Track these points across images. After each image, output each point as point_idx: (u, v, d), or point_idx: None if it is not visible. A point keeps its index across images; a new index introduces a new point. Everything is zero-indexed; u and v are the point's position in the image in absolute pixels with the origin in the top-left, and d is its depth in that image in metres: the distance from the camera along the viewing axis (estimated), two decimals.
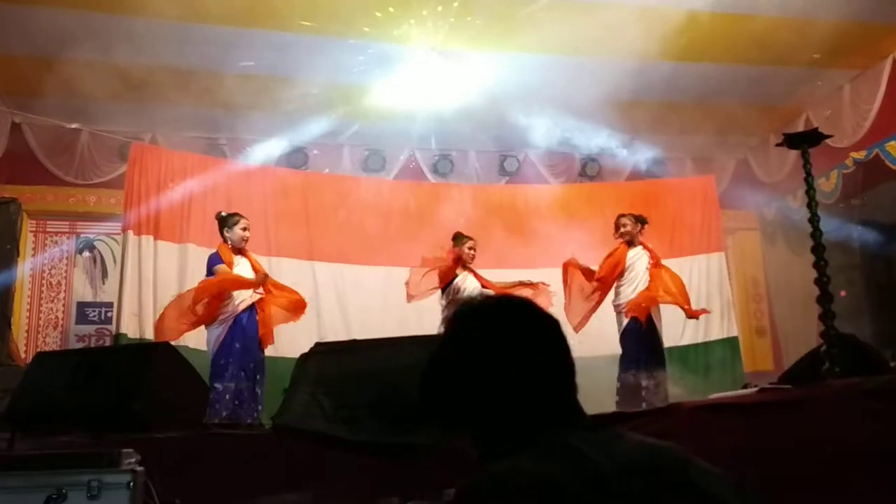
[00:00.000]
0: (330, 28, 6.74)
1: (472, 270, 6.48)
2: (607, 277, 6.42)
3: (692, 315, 6.70)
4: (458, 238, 6.54)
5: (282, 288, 5.86)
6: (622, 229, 6.52)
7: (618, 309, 6.44)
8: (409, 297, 6.61)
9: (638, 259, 6.44)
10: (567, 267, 6.61)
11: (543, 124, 8.20)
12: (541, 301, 6.40)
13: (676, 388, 6.33)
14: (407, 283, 6.60)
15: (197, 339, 6.83)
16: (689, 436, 3.21)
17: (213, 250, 5.79)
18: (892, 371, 3.37)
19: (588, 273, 6.53)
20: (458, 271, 6.39)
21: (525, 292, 6.48)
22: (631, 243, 6.48)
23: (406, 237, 7.98)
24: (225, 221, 5.77)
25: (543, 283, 6.62)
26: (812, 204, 3.64)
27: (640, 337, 6.23)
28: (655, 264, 6.46)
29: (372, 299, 7.78)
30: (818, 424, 2.85)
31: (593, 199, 8.46)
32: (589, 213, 8.03)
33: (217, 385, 5.26)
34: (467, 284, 6.35)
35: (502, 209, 8.29)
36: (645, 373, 6.11)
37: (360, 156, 8.86)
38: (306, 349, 4.29)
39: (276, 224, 7.77)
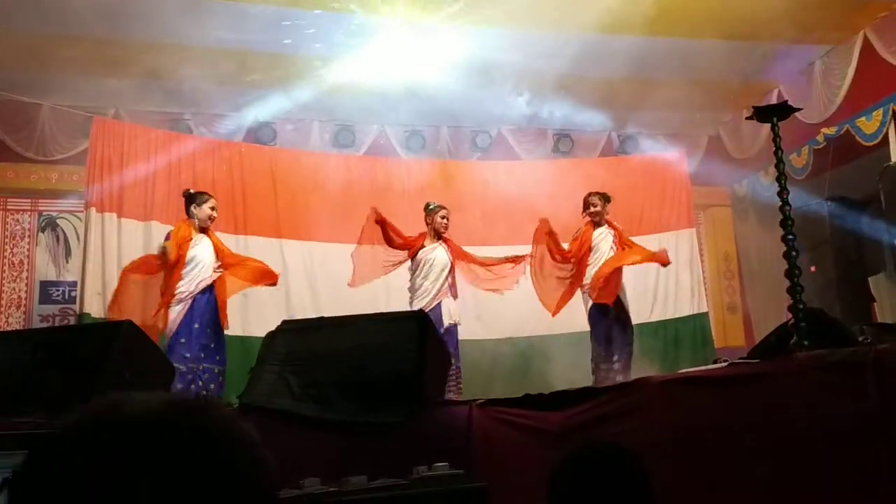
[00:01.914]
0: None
1: (447, 241, 6.41)
2: (575, 258, 6.38)
3: (662, 261, 6.61)
4: (430, 208, 6.45)
5: (244, 260, 5.80)
6: (592, 209, 6.47)
7: (583, 289, 6.42)
8: (353, 284, 6.47)
9: (602, 239, 6.43)
10: (538, 233, 6.49)
11: (515, 99, 8.13)
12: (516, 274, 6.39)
13: (646, 365, 6.36)
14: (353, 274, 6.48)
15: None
16: (658, 409, 3.21)
17: None
18: (858, 345, 3.38)
19: (558, 248, 6.46)
20: (426, 242, 6.32)
21: (506, 268, 6.48)
22: (598, 223, 6.46)
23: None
24: (193, 199, 5.66)
25: (525, 256, 6.50)
26: (781, 178, 3.64)
27: (607, 316, 6.22)
28: (621, 242, 6.45)
29: (341, 277, 7.69)
30: (786, 397, 2.85)
31: (565, 175, 8.42)
32: (560, 189, 8.00)
33: (177, 365, 5.18)
34: (434, 255, 6.28)
35: (474, 185, 8.23)
36: (615, 351, 6.12)
37: (329, 131, 8.71)
38: (275, 328, 4.24)
39: (243, 201, 7.64)
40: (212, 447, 0.69)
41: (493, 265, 6.54)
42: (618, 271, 6.29)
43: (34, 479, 0.68)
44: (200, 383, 5.19)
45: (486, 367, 7.32)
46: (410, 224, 6.76)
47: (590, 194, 6.57)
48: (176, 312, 5.36)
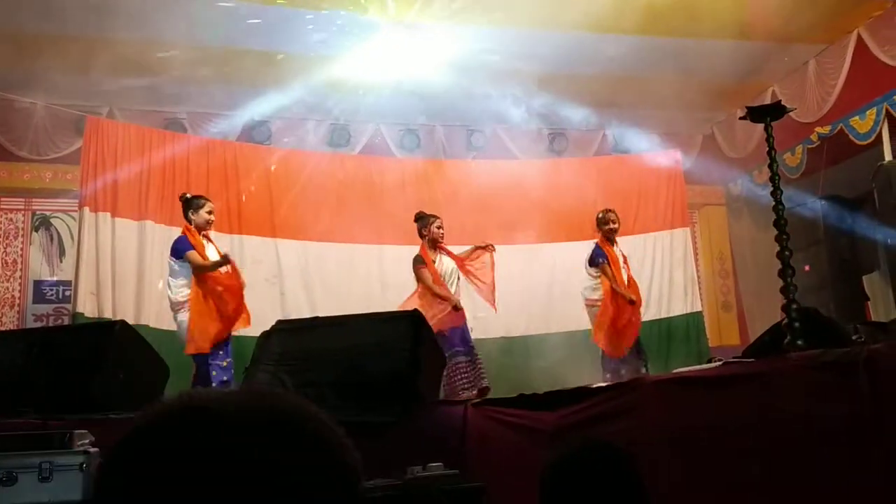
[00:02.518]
0: None
1: (443, 249, 6.38)
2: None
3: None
4: (423, 218, 6.36)
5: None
6: (612, 225, 6.46)
7: (591, 303, 6.45)
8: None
9: (619, 257, 6.47)
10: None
11: (510, 99, 8.13)
12: (487, 262, 6.47)
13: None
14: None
15: (157, 319, 6.72)
16: (652, 409, 3.21)
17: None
18: (852, 344, 3.40)
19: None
20: (431, 256, 6.28)
21: (479, 254, 6.53)
22: (612, 241, 6.46)
23: (371, 213, 7.90)
24: (190, 204, 5.58)
25: (492, 246, 6.56)
26: (774, 177, 3.64)
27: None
28: (629, 273, 6.53)
29: (336, 276, 7.70)
30: (780, 397, 2.86)
31: (560, 174, 8.42)
32: (555, 188, 8.01)
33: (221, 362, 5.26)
34: (444, 267, 6.26)
35: (469, 184, 8.22)
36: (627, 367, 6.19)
37: (324, 130, 8.70)
38: (269, 327, 4.24)
39: (237, 201, 7.63)
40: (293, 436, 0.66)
41: (466, 259, 6.52)
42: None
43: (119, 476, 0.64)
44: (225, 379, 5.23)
45: None
46: (405, 222, 6.75)
47: (607, 211, 6.56)
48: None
